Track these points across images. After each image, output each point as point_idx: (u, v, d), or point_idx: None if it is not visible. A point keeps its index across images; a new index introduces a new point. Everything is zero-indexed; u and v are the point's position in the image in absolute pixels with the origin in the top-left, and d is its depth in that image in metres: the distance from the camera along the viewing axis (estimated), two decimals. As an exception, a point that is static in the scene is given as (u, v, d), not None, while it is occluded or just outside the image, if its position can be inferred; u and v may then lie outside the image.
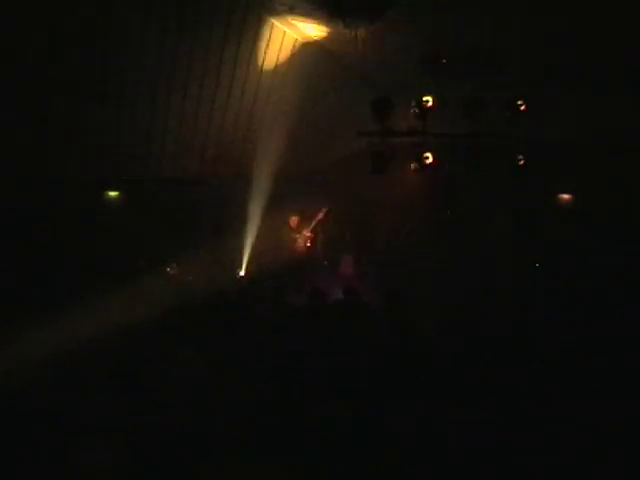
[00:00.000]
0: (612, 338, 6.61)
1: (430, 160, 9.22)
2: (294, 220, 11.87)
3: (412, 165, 9.44)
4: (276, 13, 8.69)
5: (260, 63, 9.72)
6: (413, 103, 8.81)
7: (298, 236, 11.75)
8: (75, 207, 9.72)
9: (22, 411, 5.20)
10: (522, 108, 8.78)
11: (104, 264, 9.67)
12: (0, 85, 7.42)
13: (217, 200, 11.22)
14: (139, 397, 5.43)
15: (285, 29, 9.36)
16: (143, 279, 9.17)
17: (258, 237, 11.39)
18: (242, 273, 11.17)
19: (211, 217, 11.40)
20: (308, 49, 9.77)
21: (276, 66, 9.92)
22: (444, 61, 8.41)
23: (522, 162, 9.30)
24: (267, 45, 9.48)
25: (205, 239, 10.97)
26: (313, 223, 11.83)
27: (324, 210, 11.81)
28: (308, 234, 11.77)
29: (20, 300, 8.02)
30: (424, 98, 8.72)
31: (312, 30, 9.16)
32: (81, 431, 5.01)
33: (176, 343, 6.42)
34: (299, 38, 9.61)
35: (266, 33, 9.24)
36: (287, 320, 7.03)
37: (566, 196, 11.60)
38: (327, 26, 8.74)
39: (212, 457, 4.81)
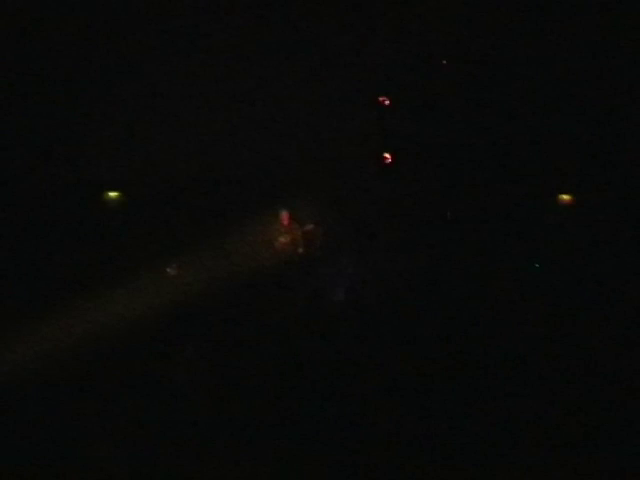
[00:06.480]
0: (612, 338, 6.61)
1: (389, 161, 9.23)
2: (285, 216, 11.63)
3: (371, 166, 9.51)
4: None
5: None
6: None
7: (286, 235, 11.53)
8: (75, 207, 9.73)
9: (22, 411, 5.21)
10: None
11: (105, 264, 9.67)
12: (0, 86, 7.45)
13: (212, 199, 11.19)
14: (139, 397, 5.44)
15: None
16: (143, 279, 9.15)
17: (249, 237, 11.29)
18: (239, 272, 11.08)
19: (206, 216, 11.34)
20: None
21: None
22: (444, 62, 8.42)
23: None
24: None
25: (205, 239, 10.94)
26: (299, 231, 11.51)
27: (311, 225, 11.46)
28: (294, 236, 11.52)
29: (20, 300, 8.02)
30: (380, 97, 8.71)
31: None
32: (81, 431, 5.02)
33: (176, 343, 6.43)
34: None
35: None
36: (286, 320, 7.03)
37: (566, 196, 11.57)
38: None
39: (212, 457, 4.82)
